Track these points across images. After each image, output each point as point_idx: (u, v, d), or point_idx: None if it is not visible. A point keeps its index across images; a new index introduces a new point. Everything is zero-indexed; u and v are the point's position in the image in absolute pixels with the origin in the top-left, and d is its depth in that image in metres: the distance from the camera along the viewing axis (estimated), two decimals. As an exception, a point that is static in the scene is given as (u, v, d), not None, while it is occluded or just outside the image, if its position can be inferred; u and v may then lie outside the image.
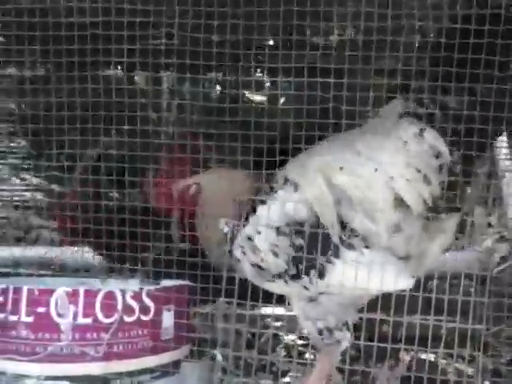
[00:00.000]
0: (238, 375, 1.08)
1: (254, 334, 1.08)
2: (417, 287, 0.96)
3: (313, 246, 0.97)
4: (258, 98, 1.90)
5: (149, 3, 0.96)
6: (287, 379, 1.17)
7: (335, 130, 1.04)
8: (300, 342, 1.26)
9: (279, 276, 1.01)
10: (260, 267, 1.02)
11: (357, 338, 1.00)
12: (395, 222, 0.97)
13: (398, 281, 0.95)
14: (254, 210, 1.03)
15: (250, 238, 1.02)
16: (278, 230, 0.99)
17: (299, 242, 0.98)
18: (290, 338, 1.33)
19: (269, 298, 1.05)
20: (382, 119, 1.04)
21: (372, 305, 1.01)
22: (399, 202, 0.96)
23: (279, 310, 1.20)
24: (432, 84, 0.99)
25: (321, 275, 0.97)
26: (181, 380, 1.12)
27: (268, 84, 1.68)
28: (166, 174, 1.22)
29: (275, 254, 1.00)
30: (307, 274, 0.98)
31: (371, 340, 0.97)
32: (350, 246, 0.97)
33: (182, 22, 0.97)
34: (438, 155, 0.98)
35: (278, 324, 1.34)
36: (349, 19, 0.88)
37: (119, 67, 1.46)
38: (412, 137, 0.98)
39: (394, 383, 1.18)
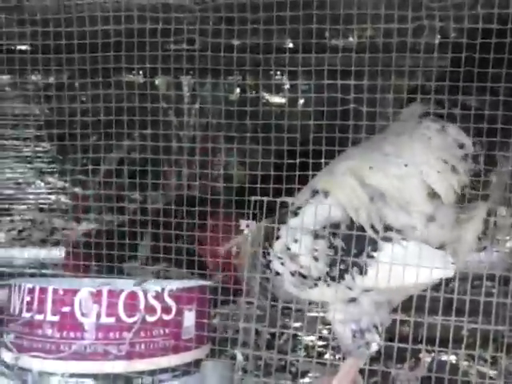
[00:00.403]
0: (257, 376, 1.09)
1: (273, 335, 1.08)
2: (438, 288, 0.97)
3: (351, 244, 0.99)
4: (277, 100, 1.93)
5: (170, 11, 0.98)
6: (306, 380, 1.18)
7: (355, 132, 1.05)
8: (320, 342, 1.27)
9: (321, 279, 1.03)
10: (301, 274, 1.04)
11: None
12: (429, 213, 1.01)
13: (437, 270, 0.95)
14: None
15: (288, 248, 1.05)
16: (316, 234, 1.02)
17: (337, 242, 1.01)
18: (309, 338, 1.34)
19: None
20: (402, 122, 1.09)
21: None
22: (432, 194, 1.00)
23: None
24: (453, 84, 1.00)
25: (363, 271, 1.00)
26: (201, 379, 1.13)
27: (287, 86, 1.70)
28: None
29: (315, 258, 1.02)
30: (349, 272, 1.00)
31: (391, 340, 0.97)
32: (388, 240, 1.00)
33: (202, 28, 0.99)
34: (461, 146, 1.03)
35: (298, 325, 1.35)
36: (368, 21, 0.89)
37: (141, 72, 1.50)
38: (435, 133, 1.03)
39: (414, 384, 1.18)
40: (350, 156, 1.07)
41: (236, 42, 1.07)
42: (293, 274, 1.05)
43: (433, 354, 1.20)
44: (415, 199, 1.01)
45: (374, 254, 0.99)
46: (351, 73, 0.99)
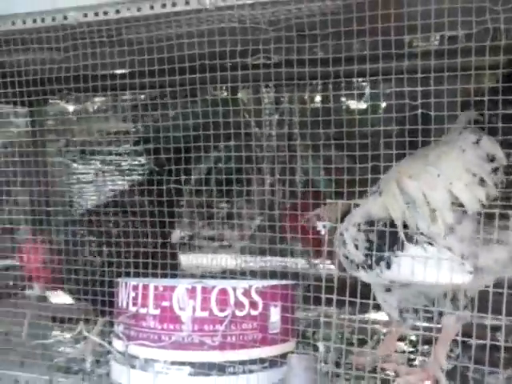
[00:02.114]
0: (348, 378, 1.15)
1: (363, 340, 1.18)
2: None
3: (383, 240, 1.13)
4: (356, 106, 1.97)
5: (247, 33, 1.09)
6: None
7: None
8: (410, 349, 1.32)
9: (360, 266, 1.20)
10: (349, 258, 1.22)
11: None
12: (451, 223, 1.09)
13: (454, 275, 1.06)
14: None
15: (341, 234, 1.24)
16: (358, 227, 1.19)
17: (372, 237, 1.16)
18: (399, 344, 1.38)
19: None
20: (452, 130, 1.15)
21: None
22: (456, 204, 1.08)
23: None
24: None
25: (388, 266, 1.14)
26: (288, 371, 1.20)
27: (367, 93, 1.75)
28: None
29: (356, 247, 1.19)
30: (378, 264, 1.15)
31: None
32: (414, 242, 1.12)
33: (276, 47, 1.08)
34: (492, 159, 1.07)
35: (385, 330, 1.40)
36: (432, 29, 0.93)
37: (224, 88, 1.62)
38: (470, 145, 1.09)
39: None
40: (404, 163, 1.16)
41: (312, 56, 1.15)
42: (344, 257, 1.23)
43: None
44: (441, 208, 1.09)
45: (399, 253, 1.12)
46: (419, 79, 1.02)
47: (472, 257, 1.08)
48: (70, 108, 2.36)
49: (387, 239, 1.12)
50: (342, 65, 1.00)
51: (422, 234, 1.12)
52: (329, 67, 1.05)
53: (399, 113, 1.09)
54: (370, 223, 1.16)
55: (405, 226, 1.13)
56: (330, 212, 1.34)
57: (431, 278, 1.06)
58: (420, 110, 0.99)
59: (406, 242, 1.12)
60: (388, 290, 1.22)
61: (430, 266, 1.06)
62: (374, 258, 1.14)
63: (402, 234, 1.12)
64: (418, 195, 1.11)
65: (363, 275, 1.20)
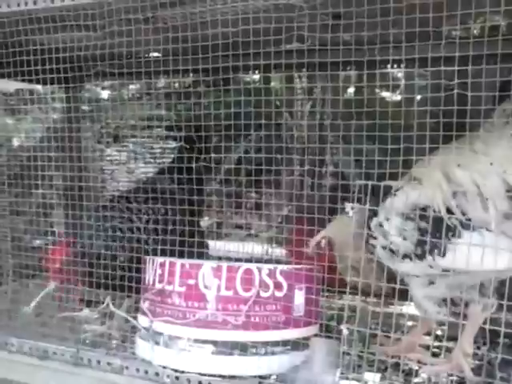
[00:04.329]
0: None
1: (388, 336, 1.16)
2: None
3: (435, 228, 1.09)
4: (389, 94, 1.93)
5: (280, 11, 1.08)
6: (418, 379, 1.20)
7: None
8: (435, 343, 1.29)
9: (407, 256, 1.14)
10: (391, 250, 1.16)
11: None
12: (506, 210, 1.06)
13: (510, 261, 1.03)
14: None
15: (380, 225, 1.18)
16: (405, 216, 1.13)
17: (423, 225, 1.11)
18: (425, 338, 1.35)
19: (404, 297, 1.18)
20: (496, 119, 1.12)
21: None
22: (511, 193, 1.04)
23: (413, 310, 1.26)
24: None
25: (443, 254, 1.09)
26: (310, 353, 1.20)
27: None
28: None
29: (403, 237, 1.14)
30: (431, 253, 1.11)
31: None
32: (467, 227, 1.08)
33: (311, 25, 1.07)
34: None
35: (410, 324, 1.37)
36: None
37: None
38: None
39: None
40: (445, 150, 1.13)
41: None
42: (384, 248, 1.17)
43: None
44: (494, 196, 1.06)
45: (453, 240, 1.08)
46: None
47: None
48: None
49: (441, 226, 1.08)
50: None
51: (473, 220, 1.08)
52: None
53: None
54: (417, 211, 1.12)
55: (450, 213, 1.10)
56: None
57: (489, 265, 1.02)
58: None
59: (461, 229, 1.09)
60: (431, 282, 1.16)
61: (488, 253, 1.02)
62: (426, 246, 1.10)
63: (455, 221, 1.09)
64: (469, 184, 1.09)
65: (408, 266, 1.15)
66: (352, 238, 1.23)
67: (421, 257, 1.12)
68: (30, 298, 1.50)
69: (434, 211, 1.10)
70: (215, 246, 1.93)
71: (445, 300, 1.18)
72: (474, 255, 1.03)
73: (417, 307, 1.23)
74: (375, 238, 1.19)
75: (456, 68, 0.98)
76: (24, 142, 2.29)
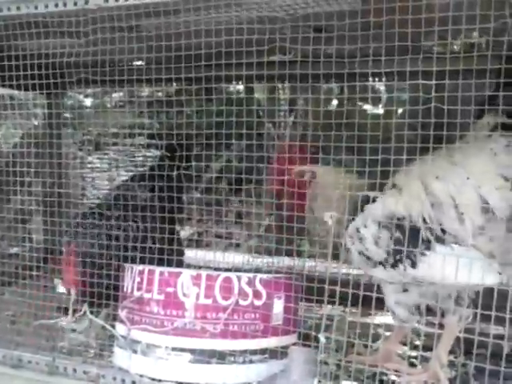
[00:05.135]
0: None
1: (365, 345, 1.17)
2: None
3: (409, 240, 1.11)
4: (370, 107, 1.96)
5: (264, 22, 1.10)
6: None
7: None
8: (412, 353, 1.31)
9: (380, 263, 1.17)
10: (365, 255, 1.19)
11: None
12: (480, 225, 1.08)
13: (484, 276, 1.04)
14: (362, 207, 1.19)
15: (358, 230, 1.20)
16: (381, 225, 1.15)
17: (397, 235, 1.13)
18: (402, 348, 1.37)
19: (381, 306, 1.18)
20: (476, 133, 1.14)
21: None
22: (485, 207, 1.06)
23: (391, 320, 1.28)
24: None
25: (413, 265, 1.12)
26: (289, 362, 1.20)
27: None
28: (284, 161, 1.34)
29: (377, 244, 1.16)
30: (402, 262, 1.13)
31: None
32: (441, 241, 1.10)
33: (292, 37, 1.09)
34: None
35: (388, 334, 1.39)
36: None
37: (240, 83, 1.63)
38: (502, 149, 1.07)
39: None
40: (426, 162, 1.15)
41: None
42: (359, 253, 1.20)
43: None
44: (469, 210, 1.08)
45: (426, 253, 1.11)
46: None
47: (501, 257, 1.07)
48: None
49: (415, 237, 1.10)
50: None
51: (445, 233, 1.11)
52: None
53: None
54: (393, 221, 1.14)
55: (425, 224, 1.12)
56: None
57: (462, 278, 1.04)
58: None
59: (433, 242, 1.11)
60: (405, 290, 1.19)
61: (460, 266, 1.04)
62: (398, 256, 1.12)
63: (429, 234, 1.11)
64: (445, 197, 1.10)
65: (381, 273, 1.17)
66: (332, 192, 1.22)
67: (393, 265, 1.15)
68: (5, 306, 1.47)
69: (411, 221, 1.12)
70: (196, 255, 1.93)
71: (418, 308, 1.20)
72: (444, 268, 1.06)
73: (390, 313, 1.26)
74: (352, 244, 1.21)
75: (434, 82, 1.01)
76: (2, 148, 2.27)
